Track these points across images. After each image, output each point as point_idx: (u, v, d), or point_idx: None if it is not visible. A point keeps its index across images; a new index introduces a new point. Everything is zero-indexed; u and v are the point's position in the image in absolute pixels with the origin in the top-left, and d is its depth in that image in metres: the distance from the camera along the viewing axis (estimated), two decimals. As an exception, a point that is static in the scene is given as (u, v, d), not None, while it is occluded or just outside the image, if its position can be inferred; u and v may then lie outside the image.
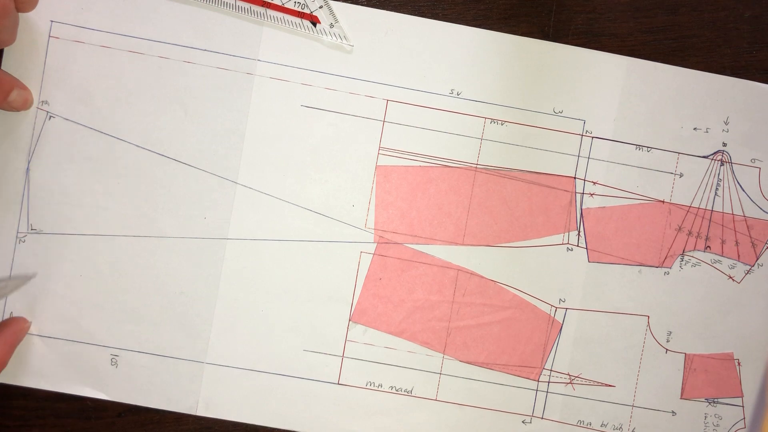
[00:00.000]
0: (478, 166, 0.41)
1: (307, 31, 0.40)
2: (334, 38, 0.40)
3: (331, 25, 0.40)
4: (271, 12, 0.39)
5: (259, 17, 0.39)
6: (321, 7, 0.39)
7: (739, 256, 0.41)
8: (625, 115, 0.41)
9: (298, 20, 0.39)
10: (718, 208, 0.41)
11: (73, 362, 0.40)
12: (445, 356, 0.41)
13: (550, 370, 0.41)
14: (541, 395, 0.41)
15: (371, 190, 0.41)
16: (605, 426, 0.41)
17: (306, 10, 0.39)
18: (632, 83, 0.41)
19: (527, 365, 0.41)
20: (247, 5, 0.39)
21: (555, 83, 0.40)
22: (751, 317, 0.41)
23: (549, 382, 0.41)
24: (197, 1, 0.39)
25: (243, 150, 0.40)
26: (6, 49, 0.39)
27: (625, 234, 0.41)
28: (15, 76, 0.39)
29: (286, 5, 0.39)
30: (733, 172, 0.41)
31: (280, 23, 0.39)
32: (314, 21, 0.39)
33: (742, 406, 0.41)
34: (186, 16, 0.40)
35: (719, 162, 0.41)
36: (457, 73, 0.40)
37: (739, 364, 0.41)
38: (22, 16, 0.39)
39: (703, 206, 0.41)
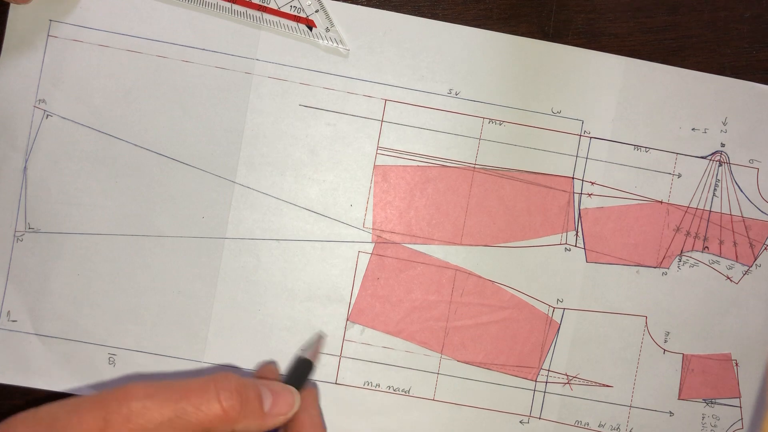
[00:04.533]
0: (476, 166, 0.41)
1: (302, 35, 0.40)
2: (330, 42, 0.40)
3: (327, 29, 0.40)
4: (267, 16, 0.39)
5: (255, 21, 0.39)
6: (317, 11, 0.39)
7: (737, 256, 0.41)
8: (623, 115, 0.41)
9: (294, 24, 0.39)
10: (716, 208, 0.41)
11: (71, 361, 0.40)
12: (443, 356, 0.41)
13: (548, 371, 0.41)
14: (539, 395, 0.41)
15: (369, 189, 0.41)
16: (603, 426, 0.41)
17: (302, 14, 0.39)
18: (630, 83, 0.41)
19: (525, 365, 0.41)
20: (243, 9, 0.39)
21: (553, 83, 0.40)
22: (749, 318, 0.41)
23: (546, 383, 0.41)
24: (193, 5, 0.39)
25: (241, 149, 0.40)
26: (5, 48, 0.39)
27: (623, 234, 0.41)
28: (13, 74, 0.39)
29: (282, 9, 0.39)
30: (731, 172, 0.41)
31: (276, 27, 0.39)
32: (310, 25, 0.39)
33: (740, 407, 0.41)
34: (184, 16, 0.40)
35: (717, 162, 0.41)
36: (456, 73, 0.40)
37: (737, 364, 0.41)
38: (22, 15, 0.39)
39: (701, 207, 0.41)
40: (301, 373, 0.37)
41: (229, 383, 0.30)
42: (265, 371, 0.38)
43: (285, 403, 0.32)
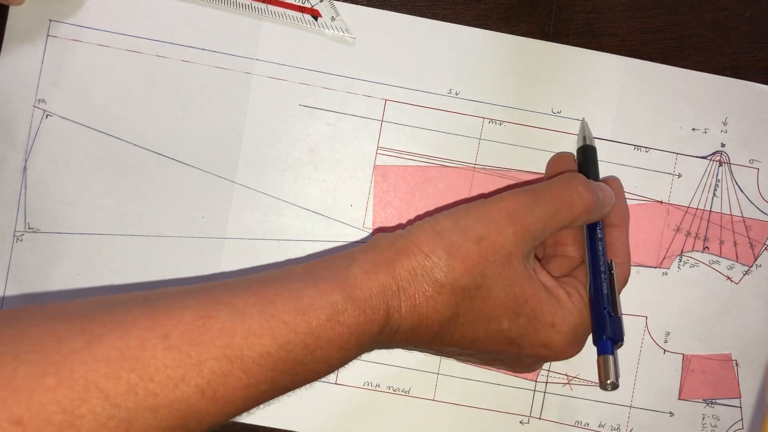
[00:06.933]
0: (476, 166, 0.41)
1: (308, 26, 0.39)
2: (336, 31, 0.39)
3: (333, 18, 0.39)
4: (272, 7, 0.39)
5: (260, 13, 0.39)
6: (321, 0, 0.39)
7: (737, 256, 0.41)
8: (623, 115, 0.41)
9: (299, 15, 0.39)
10: (716, 208, 0.41)
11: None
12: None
13: (548, 371, 0.41)
14: (539, 395, 0.41)
15: (369, 189, 0.41)
16: (603, 426, 0.41)
17: (307, 5, 0.39)
18: (630, 83, 0.41)
19: (525, 365, 0.41)
20: (248, 1, 0.39)
21: (553, 83, 0.40)
22: (749, 318, 0.41)
23: (546, 383, 0.41)
24: None
25: (241, 149, 0.40)
26: (4, 48, 0.39)
27: (623, 234, 0.41)
28: (13, 74, 0.39)
29: (286, 0, 0.39)
30: (731, 172, 0.41)
31: (281, 18, 0.39)
32: (315, 15, 0.39)
33: (740, 407, 0.41)
34: (184, 16, 0.40)
35: (718, 162, 0.41)
36: (456, 73, 0.40)
37: (737, 364, 0.41)
38: (21, 15, 0.39)
39: (701, 207, 0.41)
40: (593, 161, 0.39)
41: (584, 179, 0.34)
42: (562, 160, 0.39)
43: (609, 195, 0.36)
